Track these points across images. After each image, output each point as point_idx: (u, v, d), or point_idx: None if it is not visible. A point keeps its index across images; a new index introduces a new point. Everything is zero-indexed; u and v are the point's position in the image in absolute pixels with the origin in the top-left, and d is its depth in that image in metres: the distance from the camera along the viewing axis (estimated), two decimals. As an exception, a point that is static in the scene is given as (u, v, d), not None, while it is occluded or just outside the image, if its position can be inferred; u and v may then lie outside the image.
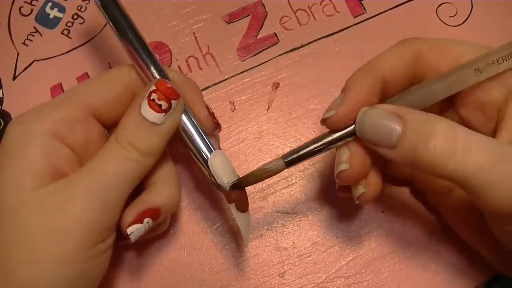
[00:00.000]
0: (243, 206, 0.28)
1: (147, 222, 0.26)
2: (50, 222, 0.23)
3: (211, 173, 0.27)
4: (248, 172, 0.27)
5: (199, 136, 0.27)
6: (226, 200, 0.28)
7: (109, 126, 0.29)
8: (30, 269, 0.23)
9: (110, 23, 0.28)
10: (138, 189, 0.27)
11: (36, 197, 0.24)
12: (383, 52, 0.27)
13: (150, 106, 0.25)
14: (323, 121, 0.26)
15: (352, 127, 0.25)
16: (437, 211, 0.31)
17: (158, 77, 0.27)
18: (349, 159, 0.26)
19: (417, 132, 0.22)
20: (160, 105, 0.25)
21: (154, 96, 0.25)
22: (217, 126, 0.29)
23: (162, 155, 0.27)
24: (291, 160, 0.26)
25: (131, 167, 0.25)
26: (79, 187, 0.24)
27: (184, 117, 0.27)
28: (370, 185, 0.27)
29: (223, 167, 0.27)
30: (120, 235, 0.26)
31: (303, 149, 0.26)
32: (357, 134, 0.25)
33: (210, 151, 0.27)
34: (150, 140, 0.25)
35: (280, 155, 0.26)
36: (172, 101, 0.26)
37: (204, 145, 0.27)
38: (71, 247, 0.23)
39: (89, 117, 0.27)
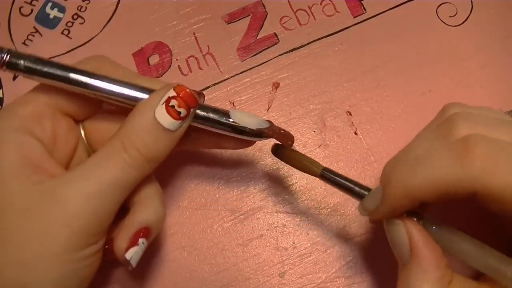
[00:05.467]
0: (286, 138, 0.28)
1: (142, 243, 0.25)
2: (37, 226, 0.23)
3: (242, 127, 0.27)
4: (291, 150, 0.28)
5: (210, 110, 0.27)
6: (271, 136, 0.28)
7: (80, 120, 0.28)
8: (19, 269, 0.23)
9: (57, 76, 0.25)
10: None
11: (22, 199, 0.23)
12: (431, 153, 0.23)
13: (168, 113, 0.24)
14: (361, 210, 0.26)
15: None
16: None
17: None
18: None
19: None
20: (179, 112, 0.24)
21: (174, 102, 0.24)
22: (200, 94, 0.29)
23: None
24: (326, 176, 0.27)
25: (130, 174, 0.24)
26: (70, 193, 0.23)
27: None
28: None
29: (246, 116, 0.27)
30: (118, 261, 0.26)
31: (344, 180, 0.26)
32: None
33: (227, 112, 0.27)
34: (160, 147, 0.24)
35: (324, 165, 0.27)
36: (191, 109, 0.25)
37: (218, 113, 0.27)
38: (59, 249, 0.23)
39: (56, 111, 0.27)
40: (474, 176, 0.21)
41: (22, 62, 0.25)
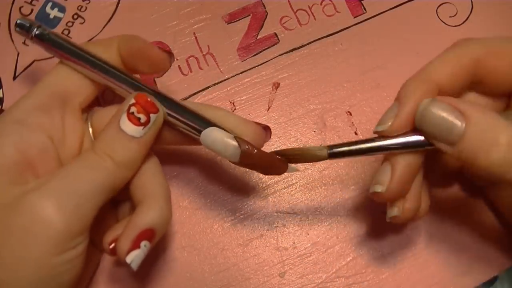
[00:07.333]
0: (275, 168, 0.27)
1: (145, 246, 0.25)
2: (18, 223, 0.23)
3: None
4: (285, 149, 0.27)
5: (191, 118, 0.27)
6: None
7: (89, 106, 0.29)
8: None
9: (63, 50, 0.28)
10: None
11: (6, 196, 0.23)
12: (438, 58, 0.26)
13: (129, 119, 0.25)
14: (377, 133, 0.26)
15: (406, 137, 0.25)
16: (493, 203, 0.32)
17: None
18: (388, 181, 0.25)
19: (480, 138, 0.22)
20: (139, 119, 0.25)
21: (133, 109, 0.25)
22: (170, 54, 0.29)
23: (151, 170, 0.27)
24: (335, 152, 0.25)
25: (107, 177, 0.25)
26: (50, 189, 0.23)
27: (167, 114, 0.27)
28: (405, 209, 0.26)
29: (216, 145, 0.26)
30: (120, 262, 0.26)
31: (351, 145, 0.25)
32: (416, 126, 0.24)
33: (200, 132, 0.26)
34: (127, 153, 0.25)
35: (326, 145, 0.26)
36: (151, 115, 0.25)
37: (193, 132, 0.26)
38: (39, 250, 0.23)
39: (65, 101, 0.27)
40: (475, 43, 0.26)
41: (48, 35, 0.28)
